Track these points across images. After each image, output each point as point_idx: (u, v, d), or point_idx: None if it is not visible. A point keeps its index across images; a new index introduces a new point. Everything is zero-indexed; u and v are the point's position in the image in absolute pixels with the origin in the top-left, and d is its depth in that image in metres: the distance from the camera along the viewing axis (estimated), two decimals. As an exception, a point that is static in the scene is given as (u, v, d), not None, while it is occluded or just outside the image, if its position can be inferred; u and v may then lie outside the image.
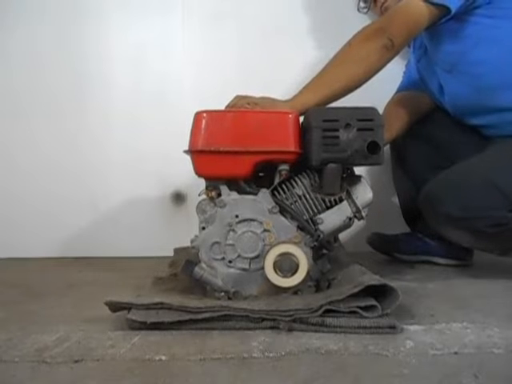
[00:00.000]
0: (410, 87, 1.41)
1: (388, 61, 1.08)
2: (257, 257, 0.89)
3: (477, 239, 1.14)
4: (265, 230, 0.90)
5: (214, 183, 0.93)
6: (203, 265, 0.90)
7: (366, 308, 0.78)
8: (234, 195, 0.91)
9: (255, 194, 0.91)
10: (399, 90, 1.43)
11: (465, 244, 1.24)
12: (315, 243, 0.91)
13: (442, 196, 1.12)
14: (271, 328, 0.78)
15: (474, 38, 1.15)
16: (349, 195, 0.94)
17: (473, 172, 1.12)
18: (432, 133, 1.36)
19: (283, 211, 0.91)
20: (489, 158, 1.15)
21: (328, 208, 0.94)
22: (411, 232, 1.44)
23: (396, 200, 1.49)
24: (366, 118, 0.90)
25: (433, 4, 1.07)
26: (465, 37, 1.16)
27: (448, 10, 1.08)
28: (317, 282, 0.92)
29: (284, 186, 0.94)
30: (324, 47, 1.55)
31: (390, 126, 1.31)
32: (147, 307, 0.80)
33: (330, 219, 0.93)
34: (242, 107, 1.00)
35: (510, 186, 1.08)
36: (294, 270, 0.85)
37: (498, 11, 1.13)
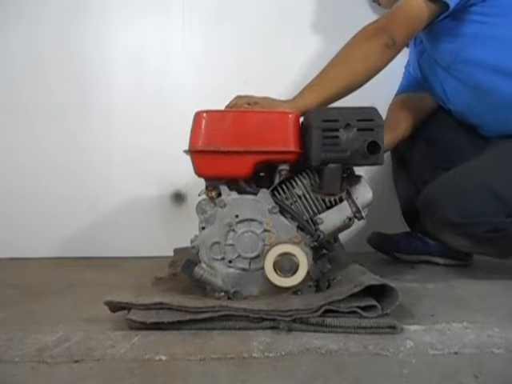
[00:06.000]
0: (411, 88, 1.40)
1: (390, 59, 1.08)
2: (257, 257, 0.89)
3: (474, 244, 1.14)
4: (265, 230, 0.90)
5: (214, 183, 0.93)
6: (203, 265, 0.90)
7: (366, 308, 0.78)
8: (234, 195, 0.91)
9: (255, 194, 0.91)
10: (399, 92, 1.43)
11: (463, 248, 1.24)
12: (315, 243, 0.91)
13: (440, 201, 1.12)
14: (271, 328, 0.78)
15: (469, 36, 1.16)
16: (349, 195, 0.94)
17: (471, 177, 1.11)
18: (433, 133, 1.36)
19: (283, 211, 0.91)
20: (486, 163, 1.15)
21: (328, 208, 0.93)
22: (411, 232, 1.44)
23: (396, 200, 1.49)
24: (366, 118, 0.90)
25: (432, 1, 1.07)
26: (460, 35, 1.16)
27: (446, 6, 1.08)
28: (317, 282, 0.92)
29: (284, 186, 0.94)
30: (324, 47, 1.55)
31: (396, 127, 1.31)
32: (147, 307, 0.80)
33: (330, 219, 0.93)
34: (241, 107, 1.00)
35: (507, 191, 1.07)
36: (294, 270, 0.85)
37: (492, 9, 1.13)
